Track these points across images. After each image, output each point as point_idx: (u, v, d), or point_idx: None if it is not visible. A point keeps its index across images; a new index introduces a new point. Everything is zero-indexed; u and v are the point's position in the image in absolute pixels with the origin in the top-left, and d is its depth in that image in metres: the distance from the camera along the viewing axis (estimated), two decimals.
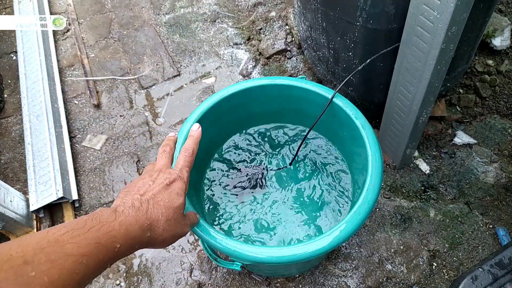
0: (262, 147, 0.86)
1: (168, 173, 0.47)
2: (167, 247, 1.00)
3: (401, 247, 0.97)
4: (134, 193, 0.43)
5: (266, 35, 1.48)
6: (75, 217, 1.08)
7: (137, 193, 0.43)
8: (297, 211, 0.76)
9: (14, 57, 1.50)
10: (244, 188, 0.80)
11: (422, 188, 1.06)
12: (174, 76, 1.41)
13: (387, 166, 1.09)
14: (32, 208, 1.02)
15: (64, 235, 0.33)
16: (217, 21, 1.58)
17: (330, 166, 0.82)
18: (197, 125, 0.56)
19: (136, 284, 0.96)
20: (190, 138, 0.53)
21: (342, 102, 0.70)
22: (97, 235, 0.35)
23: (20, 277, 0.28)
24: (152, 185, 0.44)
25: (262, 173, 0.82)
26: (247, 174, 0.82)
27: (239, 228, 0.75)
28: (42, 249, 0.31)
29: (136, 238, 0.39)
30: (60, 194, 1.03)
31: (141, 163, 1.19)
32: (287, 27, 1.48)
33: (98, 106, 1.33)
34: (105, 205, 1.10)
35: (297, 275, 0.94)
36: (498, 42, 1.23)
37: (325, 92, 0.72)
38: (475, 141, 1.14)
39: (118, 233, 0.37)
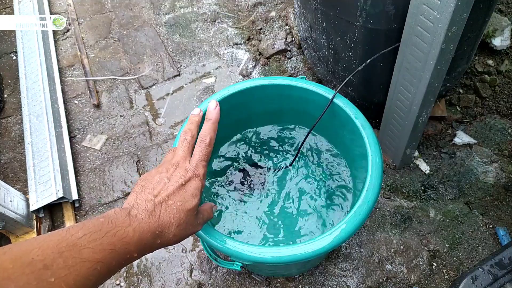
0: (262, 147, 0.86)
1: (184, 169, 0.44)
2: (167, 248, 1.00)
3: (401, 247, 0.97)
4: (149, 191, 0.41)
5: (266, 35, 1.48)
6: (75, 217, 1.08)
7: (151, 192, 0.41)
8: (297, 211, 0.76)
9: (14, 57, 1.50)
10: (244, 188, 0.80)
11: (422, 188, 1.06)
12: (174, 76, 1.41)
13: (387, 166, 1.09)
14: (32, 208, 1.02)
15: (82, 239, 0.33)
16: (217, 21, 1.58)
17: (330, 167, 0.82)
18: (214, 103, 0.49)
19: (136, 284, 0.96)
20: (207, 123, 0.48)
21: (342, 102, 0.70)
22: (112, 241, 0.34)
23: (41, 282, 0.28)
24: (167, 184, 0.42)
25: (263, 174, 0.82)
26: (248, 174, 0.82)
27: (239, 228, 0.75)
28: (61, 253, 0.31)
29: (147, 245, 0.38)
30: (60, 194, 1.03)
31: (141, 163, 1.19)
32: (287, 27, 1.48)
33: (98, 106, 1.33)
34: (105, 205, 1.10)
35: (297, 275, 0.94)
36: (498, 42, 1.23)
37: (325, 92, 0.72)
38: (475, 141, 1.14)
39: (131, 240, 0.36)
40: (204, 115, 0.51)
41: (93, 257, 0.32)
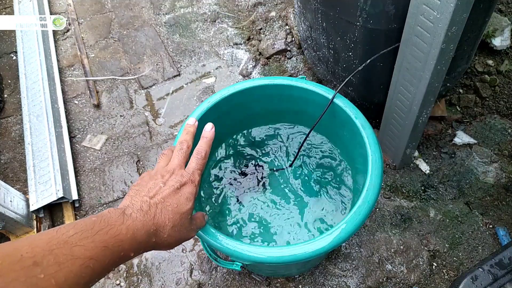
0: (262, 147, 0.86)
1: (180, 175, 0.46)
2: None
3: (401, 247, 0.97)
4: (144, 194, 0.42)
5: (266, 35, 1.48)
6: (75, 217, 1.08)
7: (146, 194, 0.42)
8: (297, 212, 0.76)
9: (14, 57, 1.50)
10: (244, 188, 0.80)
11: (422, 188, 1.06)
12: (174, 76, 1.41)
13: (387, 166, 1.09)
14: (32, 208, 1.02)
15: (73, 237, 0.33)
16: (217, 21, 1.58)
17: (330, 167, 0.82)
18: (210, 125, 0.54)
19: (136, 284, 0.96)
20: (203, 140, 0.52)
21: (342, 102, 0.70)
22: (104, 239, 0.35)
23: (30, 278, 0.29)
24: (163, 188, 0.44)
25: (263, 174, 0.82)
26: (247, 174, 0.82)
27: (239, 228, 0.75)
28: (51, 250, 0.31)
29: (142, 243, 0.39)
30: (60, 194, 1.03)
31: (141, 163, 1.19)
32: (287, 27, 1.48)
33: (98, 106, 1.33)
34: (105, 205, 1.10)
35: (297, 275, 0.94)
36: (498, 42, 1.23)
37: (325, 92, 0.72)
38: (475, 141, 1.14)
39: (125, 237, 0.37)
40: (198, 125, 0.55)
41: (85, 254, 0.33)
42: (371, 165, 0.62)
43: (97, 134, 1.26)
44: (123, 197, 1.12)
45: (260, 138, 0.87)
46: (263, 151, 0.85)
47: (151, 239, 0.40)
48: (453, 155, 1.11)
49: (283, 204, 0.78)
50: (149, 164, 1.18)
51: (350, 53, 0.92)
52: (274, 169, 0.82)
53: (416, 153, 1.11)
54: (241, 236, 0.74)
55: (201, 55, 1.47)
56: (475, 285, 0.77)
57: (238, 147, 0.86)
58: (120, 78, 1.41)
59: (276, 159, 0.84)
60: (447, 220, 1.00)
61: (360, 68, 0.82)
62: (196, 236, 0.54)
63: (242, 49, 1.47)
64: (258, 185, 0.80)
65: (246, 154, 0.85)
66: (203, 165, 0.49)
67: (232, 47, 1.48)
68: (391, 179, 1.08)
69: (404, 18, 0.73)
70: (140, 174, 1.16)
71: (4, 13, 1.68)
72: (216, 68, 1.43)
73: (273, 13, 1.54)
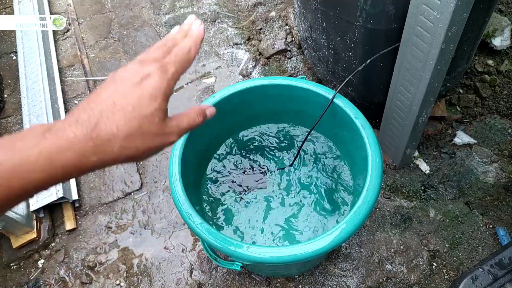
0: (262, 147, 0.86)
1: (144, 66, 0.33)
2: (167, 248, 1.00)
3: (401, 247, 0.97)
4: (92, 100, 0.32)
5: (266, 35, 1.48)
6: (75, 217, 1.08)
7: (95, 100, 0.31)
8: (298, 212, 0.76)
9: (14, 57, 1.50)
10: (244, 188, 0.80)
11: (422, 188, 1.06)
12: None
13: (387, 166, 1.09)
14: (32, 208, 1.02)
15: None
16: (217, 21, 1.58)
17: (330, 166, 0.82)
18: (199, 21, 0.37)
19: (136, 284, 0.96)
20: (188, 38, 0.37)
21: (342, 102, 0.70)
22: None
23: None
24: (118, 85, 0.32)
25: (263, 174, 0.82)
26: (248, 174, 0.82)
27: (239, 228, 0.75)
28: None
29: (68, 167, 0.29)
30: (60, 194, 1.03)
31: (141, 163, 1.19)
32: (287, 27, 1.48)
33: None
34: (105, 205, 1.10)
35: (297, 275, 0.94)
36: (498, 42, 1.23)
37: (325, 92, 0.72)
38: (475, 141, 1.14)
39: (34, 165, 0.28)
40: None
41: None
42: (371, 165, 0.62)
43: None
44: (123, 197, 1.12)
45: (260, 138, 0.87)
46: (263, 151, 0.85)
47: (89, 158, 0.30)
48: (453, 155, 1.11)
49: (282, 204, 0.78)
50: (149, 164, 1.18)
51: (350, 53, 0.92)
52: (275, 168, 0.82)
53: (416, 153, 1.11)
54: (240, 235, 0.74)
55: (201, 55, 1.47)
56: (475, 285, 0.77)
57: (238, 147, 0.86)
58: None
59: (276, 158, 0.84)
60: (447, 220, 1.00)
61: (360, 68, 0.82)
62: (196, 236, 0.54)
63: (242, 49, 1.47)
64: (258, 184, 0.80)
65: (246, 153, 0.85)
66: (184, 63, 0.35)
67: (232, 47, 1.48)
68: (391, 179, 1.08)
69: (404, 18, 0.73)
70: (140, 174, 1.16)
71: (4, 13, 1.68)
72: (216, 68, 1.42)
73: (273, 13, 1.54)
